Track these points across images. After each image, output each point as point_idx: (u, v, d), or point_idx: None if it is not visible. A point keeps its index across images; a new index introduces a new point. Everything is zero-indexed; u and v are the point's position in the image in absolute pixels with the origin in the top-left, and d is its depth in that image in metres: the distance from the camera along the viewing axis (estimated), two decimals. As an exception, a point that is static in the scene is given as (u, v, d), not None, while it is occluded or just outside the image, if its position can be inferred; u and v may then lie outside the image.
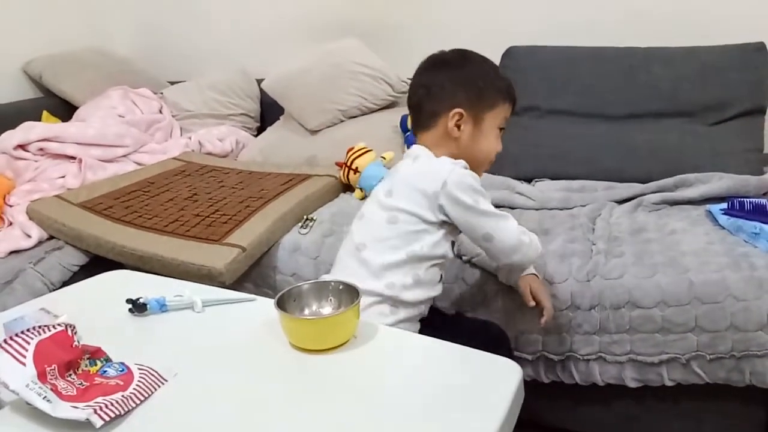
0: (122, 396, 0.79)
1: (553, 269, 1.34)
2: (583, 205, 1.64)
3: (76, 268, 1.62)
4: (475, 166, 1.13)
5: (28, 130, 2.00)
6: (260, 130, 2.53)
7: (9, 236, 1.63)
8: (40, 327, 0.87)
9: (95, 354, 0.88)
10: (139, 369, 0.86)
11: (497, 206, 1.62)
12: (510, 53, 2.08)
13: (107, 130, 2.11)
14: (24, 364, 0.80)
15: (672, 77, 1.83)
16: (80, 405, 0.77)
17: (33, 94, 2.61)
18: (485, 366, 0.84)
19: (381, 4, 2.42)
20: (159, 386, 0.83)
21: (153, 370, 0.86)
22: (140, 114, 2.38)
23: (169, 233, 1.58)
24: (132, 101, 2.43)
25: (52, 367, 0.81)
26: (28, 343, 0.83)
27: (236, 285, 1.49)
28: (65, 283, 1.58)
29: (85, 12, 2.83)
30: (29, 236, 1.63)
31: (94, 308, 1.06)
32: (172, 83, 2.76)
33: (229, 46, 2.78)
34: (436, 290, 1.15)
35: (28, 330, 0.85)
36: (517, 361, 0.85)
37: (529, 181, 1.86)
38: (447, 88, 1.13)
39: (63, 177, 1.94)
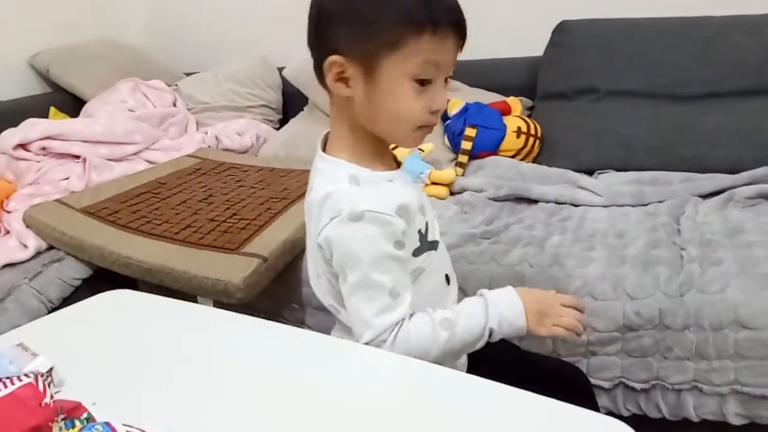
0: (102, 476, 0.60)
1: (635, 281, 1.12)
2: (660, 201, 1.41)
3: (77, 283, 1.45)
4: (395, 140, 0.82)
5: (29, 128, 1.83)
6: (282, 123, 2.35)
7: (3, 247, 1.47)
8: (3, 380, 0.68)
9: (72, 412, 0.68)
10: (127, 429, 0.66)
11: (558, 203, 1.45)
12: (562, 28, 1.86)
13: (115, 126, 1.94)
14: (-27, 435, 0.61)
15: (758, 48, 1.58)
16: (44, 492, 0.57)
17: (40, 89, 2.46)
18: (582, 426, 0.63)
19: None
20: (151, 459, 0.63)
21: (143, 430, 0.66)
22: (152, 108, 2.21)
23: (180, 242, 1.40)
24: (143, 94, 2.26)
25: (11, 438, 0.61)
26: (-18, 405, 0.64)
27: (256, 300, 1.30)
28: (65, 300, 1.41)
29: (95, 1, 2.66)
30: (26, 247, 1.47)
31: (83, 341, 0.87)
32: (188, 74, 2.59)
33: (247, 33, 2.60)
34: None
35: (-18, 385, 0.67)
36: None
37: (590, 173, 1.64)
38: (322, 20, 0.75)
39: (67, 179, 1.77)
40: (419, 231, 0.79)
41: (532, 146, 1.75)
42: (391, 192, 0.77)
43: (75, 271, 1.45)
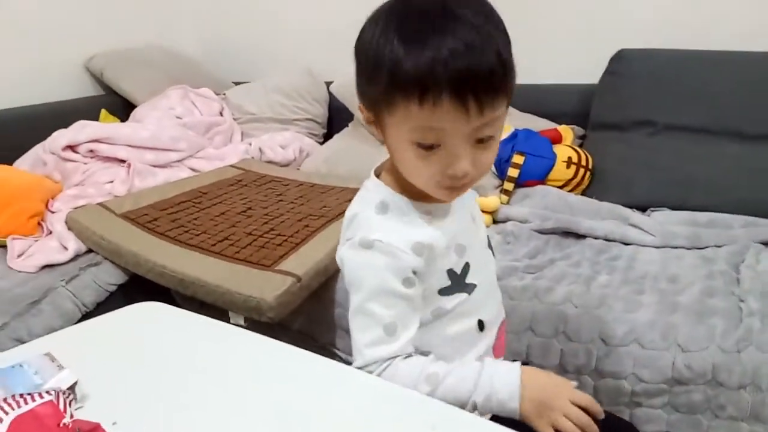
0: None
1: (688, 331, 1.05)
2: (718, 246, 1.33)
3: (113, 288, 1.46)
4: (419, 195, 0.74)
5: (78, 131, 1.87)
6: (327, 138, 2.35)
7: (44, 248, 1.49)
8: (20, 396, 0.67)
9: (90, 434, 0.66)
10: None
11: (607, 240, 1.38)
12: (621, 56, 1.80)
13: (162, 133, 1.96)
14: (-11, 453, 0.59)
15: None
16: None
17: (94, 91, 2.52)
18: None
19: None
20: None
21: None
22: (199, 116, 2.23)
23: (216, 254, 1.39)
24: (192, 102, 2.28)
25: (26, 459, 0.60)
26: (1, 421, 0.62)
27: (287, 319, 1.28)
28: (99, 305, 1.42)
29: (151, 9, 2.72)
30: (66, 249, 1.49)
31: (110, 354, 0.86)
32: (237, 84, 2.61)
33: (297, 46, 2.61)
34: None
35: (3, 401, 0.65)
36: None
37: (643, 210, 1.56)
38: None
39: (111, 182, 1.80)
40: (450, 270, 0.75)
41: (582, 177, 1.68)
42: (416, 226, 0.73)
43: (111, 277, 1.45)
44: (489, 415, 0.78)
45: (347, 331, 1.25)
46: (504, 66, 0.64)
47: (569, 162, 1.67)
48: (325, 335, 1.36)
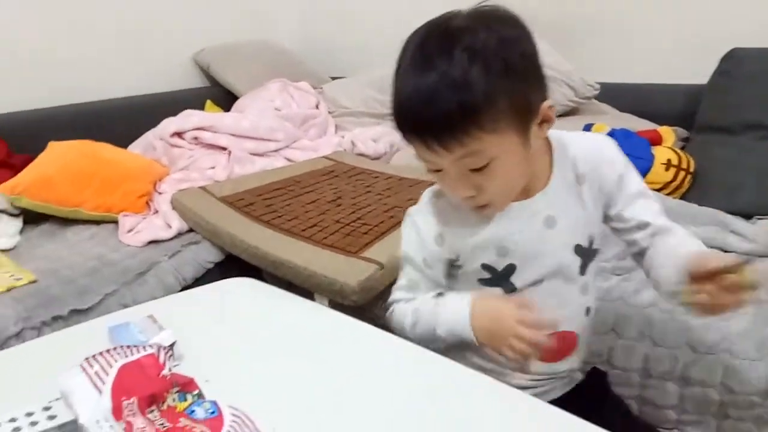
0: (204, 451, 0.64)
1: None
2: (831, 259, 1.25)
3: (210, 265, 1.57)
4: None
5: (185, 119, 2.02)
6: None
7: (151, 225, 1.63)
8: (128, 347, 0.76)
9: (186, 387, 0.74)
10: (233, 415, 0.71)
11: (708, 245, 1.32)
12: (733, 56, 1.71)
13: (261, 123, 2.08)
14: (101, 392, 0.68)
15: None
16: (152, 456, 0.63)
17: (201, 83, 2.70)
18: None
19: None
20: (249, 444, 0.67)
21: (249, 419, 0.70)
22: (296, 108, 2.34)
23: (305, 239, 1.46)
24: (290, 95, 2.40)
25: (131, 401, 0.68)
26: (111, 366, 0.71)
27: (370, 303, 1.33)
28: (198, 280, 1.53)
29: (256, 6, 2.88)
30: (170, 227, 1.62)
31: (206, 321, 0.94)
32: (334, 78, 2.71)
33: (392, 43, 2.65)
34: None
35: (114, 350, 0.74)
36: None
37: (748, 217, 1.49)
38: None
39: (213, 168, 1.93)
40: (486, 265, 0.81)
41: (682, 181, 1.62)
42: (450, 220, 0.81)
43: (209, 255, 1.57)
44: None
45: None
46: (465, 108, 0.66)
47: (668, 164, 1.62)
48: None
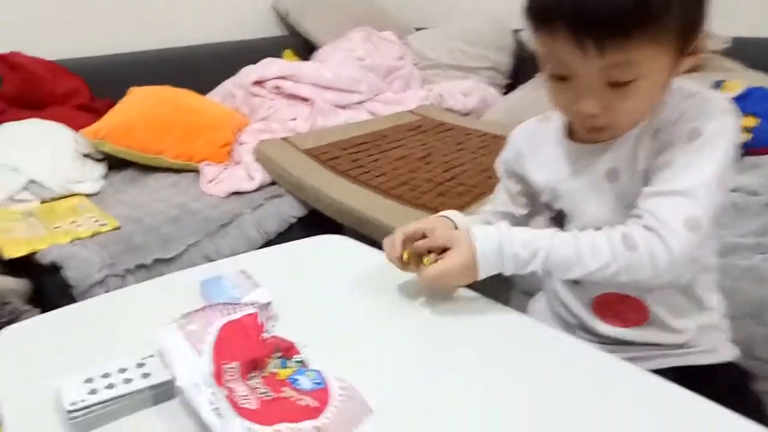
0: (313, 428, 0.57)
1: None
2: None
3: (293, 220, 1.52)
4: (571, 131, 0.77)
5: (266, 67, 1.96)
6: (510, 88, 2.25)
7: (233, 176, 1.59)
8: (230, 305, 0.69)
9: (288, 352, 0.68)
10: (341, 388, 0.63)
11: None
12: None
13: (343, 74, 2.00)
14: (200, 354, 0.62)
15: None
16: (257, 430, 0.56)
17: (279, 31, 2.63)
18: None
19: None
20: (360, 422, 0.60)
21: (358, 394, 0.63)
22: (380, 59, 2.24)
23: (395, 197, 1.39)
24: (373, 45, 2.30)
25: (233, 365, 0.62)
26: (211, 325, 0.65)
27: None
28: (280, 235, 1.48)
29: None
30: (252, 178, 1.57)
31: (298, 280, 0.87)
32: (419, 29, 2.58)
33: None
34: None
35: (211, 307, 0.68)
36: None
37: None
38: None
39: (294, 120, 1.87)
40: (546, 204, 0.79)
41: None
42: (533, 143, 0.79)
43: (292, 209, 1.51)
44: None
45: (523, 293, 1.21)
46: (642, 9, 0.58)
47: (808, 129, 1.43)
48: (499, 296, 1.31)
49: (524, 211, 0.84)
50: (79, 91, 1.79)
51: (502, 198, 0.85)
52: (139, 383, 0.62)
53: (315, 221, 1.50)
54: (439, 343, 0.72)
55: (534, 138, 0.79)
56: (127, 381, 0.62)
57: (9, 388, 0.66)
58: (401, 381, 0.65)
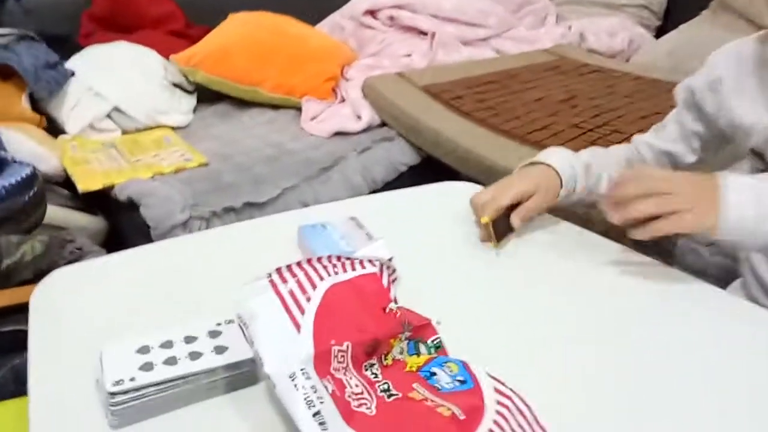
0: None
1: None
2: None
3: (404, 168, 1.35)
4: None
5: (380, -6, 1.76)
6: (660, 31, 1.98)
7: (337, 114, 1.43)
8: (338, 259, 0.49)
9: (420, 332, 0.48)
10: (498, 393, 0.43)
11: None
12: None
13: (468, 5, 1.80)
14: (298, 328, 0.42)
15: None
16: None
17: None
18: None
19: None
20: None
21: (522, 401, 0.42)
22: (510, -10, 1.99)
23: (532, 143, 1.19)
24: (502, -27, 2.04)
25: (344, 347, 0.42)
26: (313, 287, 0.45)
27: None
28: (387, 185, 1.30)
29: None
30: (359, 118, 1.42)
31: (420, 234, 0.68)
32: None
33: None
34: None
35: (316, 260, 0.48)
36: None
37: None
38: None
39: (409, 56, 1.69)
40: (754, 150, 0.67)
41: None
42: (744, 72, 0.66)
43: (404, 155, 1.34)
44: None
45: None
46: None
47: None
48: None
49: (692, 159, 0.73)
50: (173, 15, 1.68)
51: (671, 131, 0.74)
52: (211, 360, 0.44)
53: (430, 171, 1.30)
54: (629, 320, 0.52)
55: (745, 65, 0.67)
56: (195, 356, 0.44)
57: (42, 351, 0.50)
58: (586, 383, 0.46)
